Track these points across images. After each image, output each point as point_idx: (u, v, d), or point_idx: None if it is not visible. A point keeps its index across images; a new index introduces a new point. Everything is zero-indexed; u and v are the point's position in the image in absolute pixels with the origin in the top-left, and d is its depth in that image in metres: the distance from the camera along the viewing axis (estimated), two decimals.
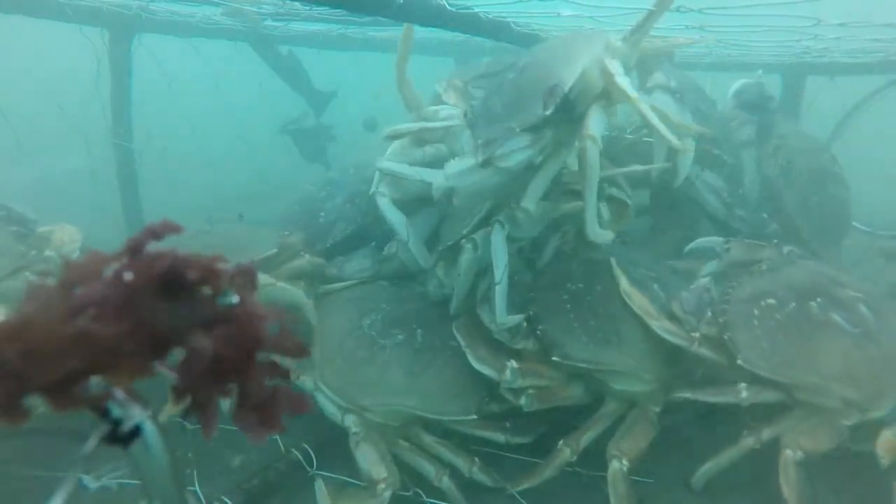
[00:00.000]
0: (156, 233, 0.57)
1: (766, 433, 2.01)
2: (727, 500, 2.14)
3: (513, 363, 2.13)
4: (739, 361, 2.02)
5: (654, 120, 1.97)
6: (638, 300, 2.18)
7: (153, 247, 0.58)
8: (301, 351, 0.63)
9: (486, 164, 1.95)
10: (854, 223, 3.37)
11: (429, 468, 2.16)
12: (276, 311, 0.61)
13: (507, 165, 1.98)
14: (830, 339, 2.01)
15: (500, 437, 2.26)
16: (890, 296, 2.40)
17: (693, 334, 2.12)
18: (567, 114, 1.97)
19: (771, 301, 2.15)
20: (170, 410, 0.61)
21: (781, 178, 2.91)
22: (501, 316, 2.18)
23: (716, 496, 2.14)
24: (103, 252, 0.57)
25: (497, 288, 2.14)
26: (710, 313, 2.18)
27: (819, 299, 2.12)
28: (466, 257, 2.26)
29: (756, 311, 2.13)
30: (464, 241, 2.26)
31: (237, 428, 0.60)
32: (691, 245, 2.65)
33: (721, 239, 2.59)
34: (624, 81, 1.94)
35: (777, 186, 2.92)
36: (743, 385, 2.04)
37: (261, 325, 0.59)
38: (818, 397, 2.01)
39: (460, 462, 2.19)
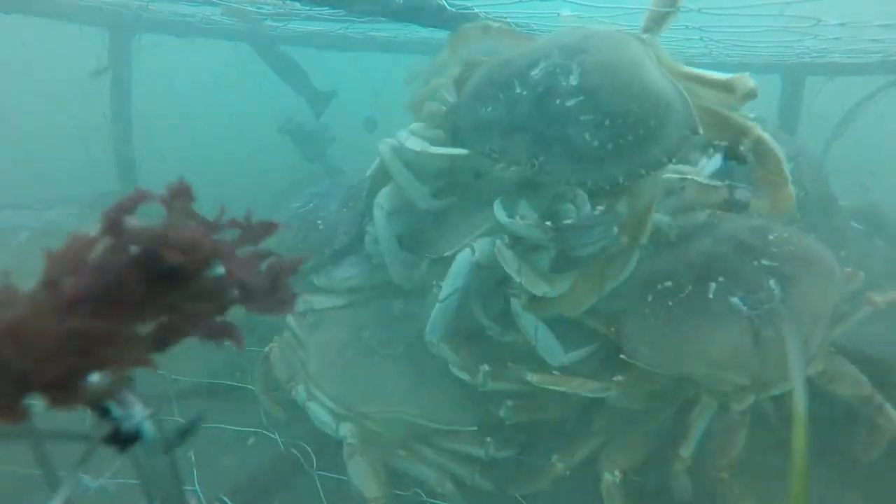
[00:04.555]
0: (127, 206, 0.56)
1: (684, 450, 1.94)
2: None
3: (485, 367, 2.11)
4: (622, 355, 1.94)
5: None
6: None
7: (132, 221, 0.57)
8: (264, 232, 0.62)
9: (553, 240, 1.81)
10: (852, 223, 3.33)
11: (430, 475, 2.15)
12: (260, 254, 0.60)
13: (587, 254, 1.82)
14: (723, 326, 1.90)
15: (480, 453, 2.20)
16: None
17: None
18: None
19: (668, 284, 2.03)
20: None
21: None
22: (431, 333, 2.09)
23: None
24: (82, 236, 0.55)
25: (438, 305, 2.04)
26: None
27: (721, 279, 1.98)
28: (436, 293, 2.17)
29: (650, 297, 2.02)
30: (433, 283, 2.17)
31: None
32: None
33: (678, 177, 2.34)
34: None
35: None
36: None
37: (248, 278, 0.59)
38: (712, 384, 1.95)
39: (462, 471, 2.18)
